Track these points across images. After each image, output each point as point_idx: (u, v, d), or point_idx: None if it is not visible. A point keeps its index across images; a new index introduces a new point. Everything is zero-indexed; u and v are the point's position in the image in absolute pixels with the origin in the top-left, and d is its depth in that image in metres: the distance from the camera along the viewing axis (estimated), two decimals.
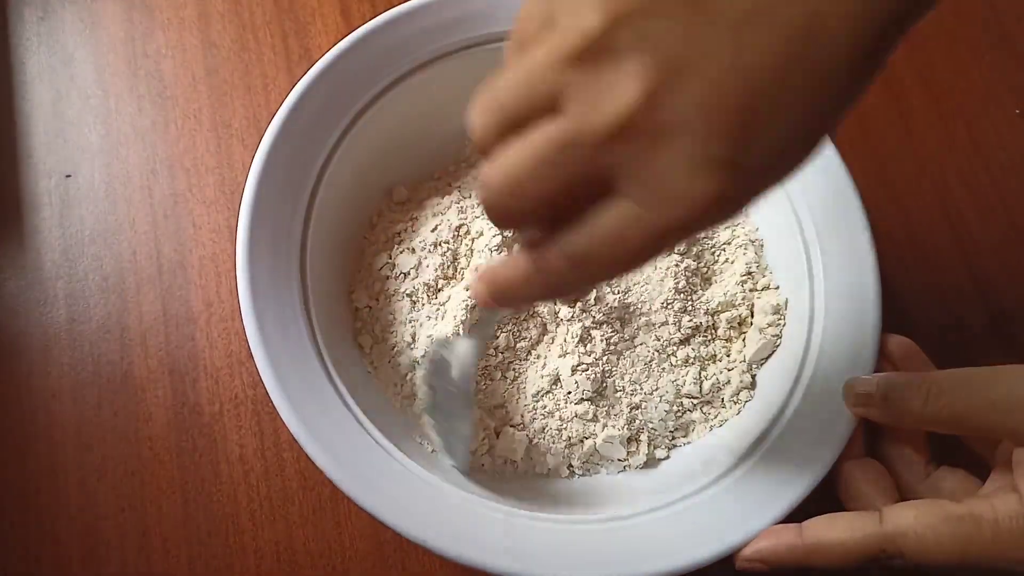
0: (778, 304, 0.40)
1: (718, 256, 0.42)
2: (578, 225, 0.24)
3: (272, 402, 0.33)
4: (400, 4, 0.39)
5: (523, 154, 0.23)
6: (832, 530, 0.31)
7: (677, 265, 0.40)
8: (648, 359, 0.39)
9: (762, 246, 0.42)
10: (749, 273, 0.41)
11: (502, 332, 0.38)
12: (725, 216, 0.23)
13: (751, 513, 0.33)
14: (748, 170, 0.22)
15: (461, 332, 0.37)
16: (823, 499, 0.34)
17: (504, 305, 0.28)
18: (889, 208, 0.47)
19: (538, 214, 0.24)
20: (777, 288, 0.41)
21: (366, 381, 0.38)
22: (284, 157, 0.37)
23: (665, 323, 0.39)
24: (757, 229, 0.42)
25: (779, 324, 0.40)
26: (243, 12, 0.49)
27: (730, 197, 0.22)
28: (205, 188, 0.45)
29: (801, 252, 0.40)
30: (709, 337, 0.40)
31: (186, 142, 0.45)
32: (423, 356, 0.37)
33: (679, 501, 0.35)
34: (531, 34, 0.23)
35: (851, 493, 0.34)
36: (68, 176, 0.44)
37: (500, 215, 0.24)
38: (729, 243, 0.42)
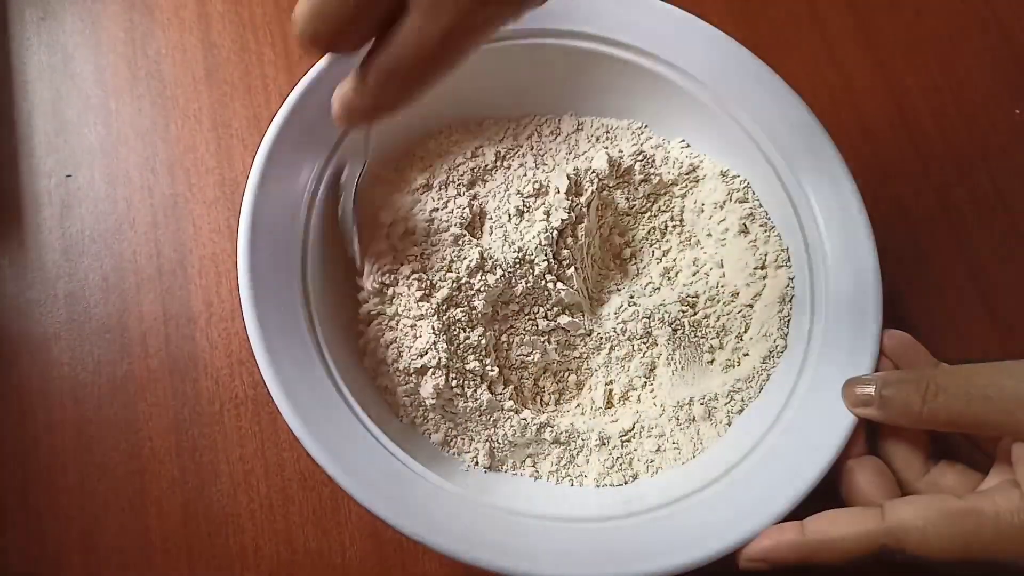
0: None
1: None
2: (384, 43, 0.27)
3: (273, 402, 0.33)
4: None
5: None
6: (834, 526, 0.31)
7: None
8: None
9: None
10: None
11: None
12: (503, 12, 0.26)
13: (752, 512, 0.33)
14: None
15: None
16: (824, 499, 0.34)
17: (348, 123, 0.30)
18: (889, 208, 0.47)
19: (345, 36, 0.27)
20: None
21: (367, 380, 0.38)
22: (284, 157, 0.37)
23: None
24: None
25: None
26: (243, 12, 0.49)
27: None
28: (205, 188, 0.45)
29: (803, 252, 0.40)
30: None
31: (186, 142, 0.45)
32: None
33: (679, 500, 0.35)
34: None
35: (852, 491, 0.34)
36: (68, 176, 0.44)
37: (309, 39, 0.27)
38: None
